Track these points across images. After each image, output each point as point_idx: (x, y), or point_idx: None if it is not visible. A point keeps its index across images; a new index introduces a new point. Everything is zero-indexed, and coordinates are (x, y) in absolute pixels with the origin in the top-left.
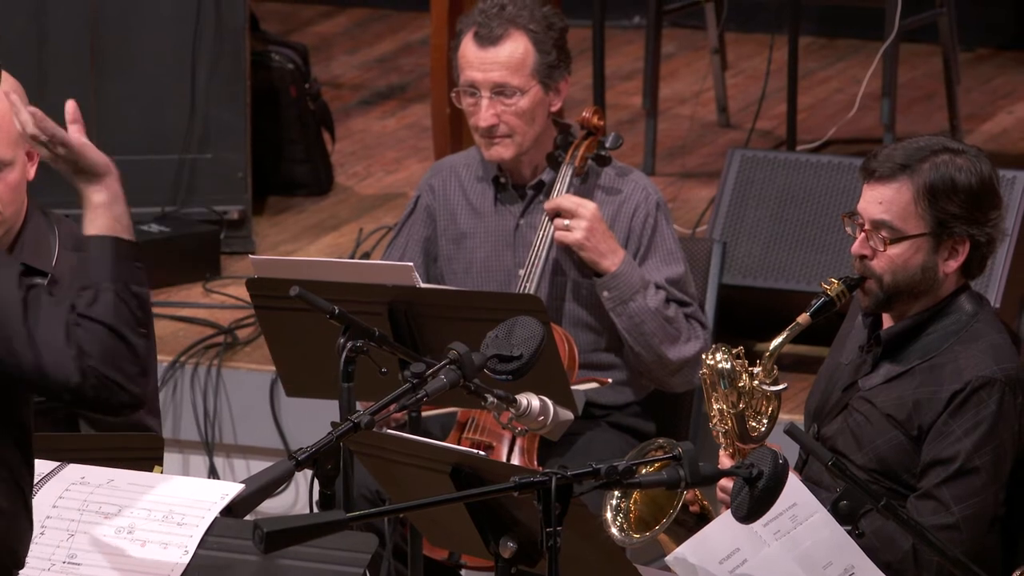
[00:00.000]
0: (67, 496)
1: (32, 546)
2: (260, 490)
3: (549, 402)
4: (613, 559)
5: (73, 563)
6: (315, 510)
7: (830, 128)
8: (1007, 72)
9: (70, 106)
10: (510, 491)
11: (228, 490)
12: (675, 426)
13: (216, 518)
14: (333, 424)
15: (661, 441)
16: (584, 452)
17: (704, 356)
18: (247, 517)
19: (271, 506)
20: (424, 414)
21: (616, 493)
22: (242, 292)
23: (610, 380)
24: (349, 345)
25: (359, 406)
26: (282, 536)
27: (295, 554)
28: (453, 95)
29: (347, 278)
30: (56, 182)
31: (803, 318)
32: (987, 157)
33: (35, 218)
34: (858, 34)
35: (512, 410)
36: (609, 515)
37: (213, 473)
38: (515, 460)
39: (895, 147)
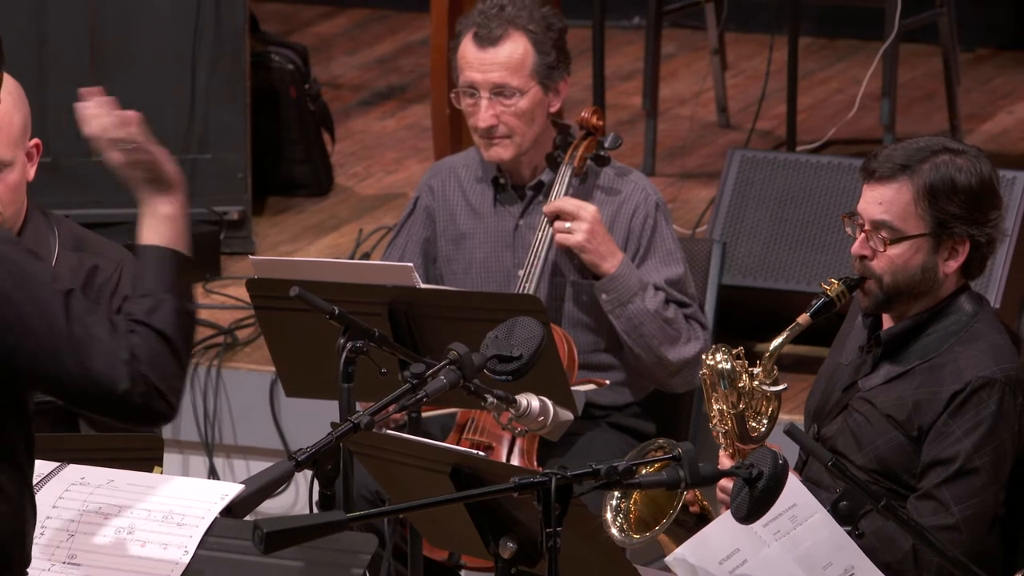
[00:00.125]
0: (67, 496)
1: (32, 546)
2: (260, 491)
3: (549, 403)
4: (613, 560)
5: (73, 563)
6: (315, 511)
7: (830, 128)
8: (1007, 72)
9: (131, 113)
10: (510, 492)
11: (228, 491)
12: (675, 426)
13: (216, 518)
14: (333, 425)
15: (661, 441)
16: (584, 453)
17: (704, 357)
18: (247, 517)
19: (271, 506)
20: (424, 415)
21: (616, 493)
22: (242, 292)
23: (608, 382)
24: (349, 346)
25: (359, 407)
26: (282, 536)
27: (295, 554)
28: (452, 96)
29: (347, 278)
30: (56, 182)
31: (803, 318)
32: (987, 157)
33: (35, 218)
34: (858, 34)
35: (512, 411)
36: (609, 515)
37: (213, 474)
38: (515, 461)
39: (895, 147)
